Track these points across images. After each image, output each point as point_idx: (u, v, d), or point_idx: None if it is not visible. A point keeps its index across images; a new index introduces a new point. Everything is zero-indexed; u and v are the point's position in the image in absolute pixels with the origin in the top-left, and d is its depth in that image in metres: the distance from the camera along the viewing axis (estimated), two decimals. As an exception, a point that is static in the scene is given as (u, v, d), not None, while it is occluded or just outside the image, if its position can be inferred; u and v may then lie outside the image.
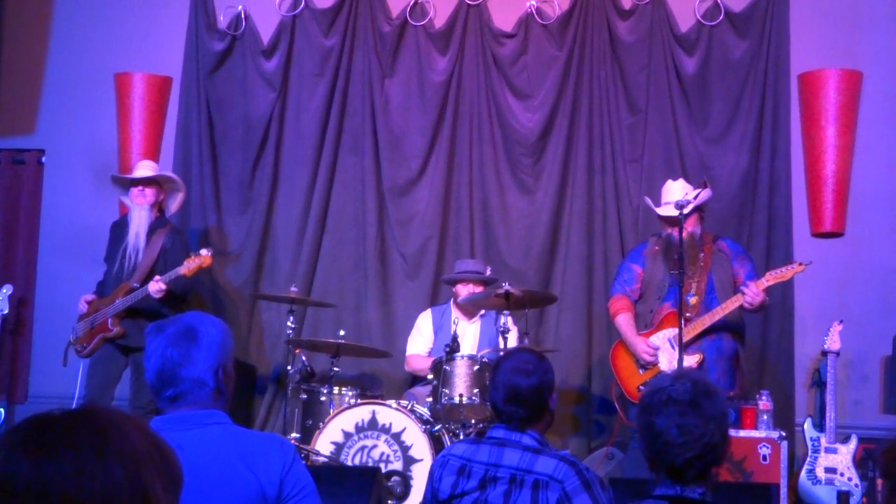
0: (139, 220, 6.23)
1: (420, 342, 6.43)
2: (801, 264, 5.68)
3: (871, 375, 6.63)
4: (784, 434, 5.62)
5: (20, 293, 7.25)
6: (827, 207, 6.64)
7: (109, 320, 6.09)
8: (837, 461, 5.91)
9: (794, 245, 6.64)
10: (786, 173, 6.72)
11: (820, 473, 5.91)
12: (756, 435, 5.61)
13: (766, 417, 5.74)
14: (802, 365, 6.64)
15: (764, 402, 5.81)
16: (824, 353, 6.16)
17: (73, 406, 3.02)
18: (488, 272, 6.29)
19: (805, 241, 6.67)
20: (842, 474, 5.88)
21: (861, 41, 6.84)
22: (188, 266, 5.99)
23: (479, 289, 6.21)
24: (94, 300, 6.24)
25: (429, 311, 6.54)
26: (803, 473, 5.93)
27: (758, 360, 6.58)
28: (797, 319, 6.63)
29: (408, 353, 6.47)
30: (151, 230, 6.25)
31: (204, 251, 6.03)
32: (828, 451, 5.95)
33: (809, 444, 6.00)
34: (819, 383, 6.39)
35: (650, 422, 2.47)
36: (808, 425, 6.07)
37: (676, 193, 5.66)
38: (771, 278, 5.60)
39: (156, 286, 5.95)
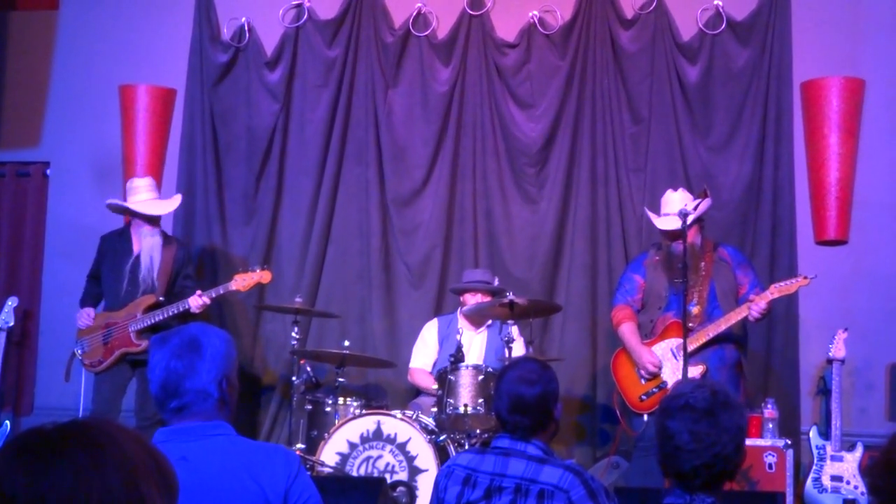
0: (152, 244, 6.20)
1: (424, 354, 6.42)
2: (806, 277, 5.69)
3: (877, 383, 6.62)
4: (790, 442, 5.62)
5: (25, 305, 7.27)
6: (831, 215, 6.63)
7: (132, 335, 6.06)
8: (843, 469, 5.91)
9: (798, 253, 6.63)
10: (789, 181, 6.71)
11: (826, 482, 5.90)
12: (762, 443, 5.60)
13: (771, 426, 5.74)
14: (807, 373, 6.63)
15: (769, 411, 5.81)
16: (829, 361, 6.16)
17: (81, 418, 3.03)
18: (496, 282, 6.29)
19: (809, 249, 6.66)
20: (848, 482, 5.88)
21: (863, 49, 6.84)
22: (242, 282, 6.05)
23: (486, 298, 6.21)
24: (98, 315, 6.22)
25: (435, 320, 6.54)
26: (809, 482, 5.92)
27: (763, 368, 6.58)
28: (802, 327, 6.63)
29: (411, 366, 6.46)
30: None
31: (257, 268, 6.12)
32: (833, 459, 5.94)
33: (815, 452, 5.99)
34: (824, 391, 6.37)
35: (664, 424, 2.48)
36: (813, 433, 6.06)
37: (676, 204, 5.66)
38: (776, 291, 5.60)
39: (198, 301, 5.97)
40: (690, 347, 5.45)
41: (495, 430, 5.12)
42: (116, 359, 6.08)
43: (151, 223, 6.23)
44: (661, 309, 5.76)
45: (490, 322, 6.33)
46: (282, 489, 2.44)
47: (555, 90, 6.98)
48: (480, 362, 5.97)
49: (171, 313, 5.99)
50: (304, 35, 7.23)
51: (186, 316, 6.04)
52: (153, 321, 6.01)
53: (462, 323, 6.32)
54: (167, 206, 6.37)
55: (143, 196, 6.24)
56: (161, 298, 6.09)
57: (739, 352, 5.77)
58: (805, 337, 6.62)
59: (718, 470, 2.46)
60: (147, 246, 6.18)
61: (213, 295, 6.05)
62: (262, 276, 6.14)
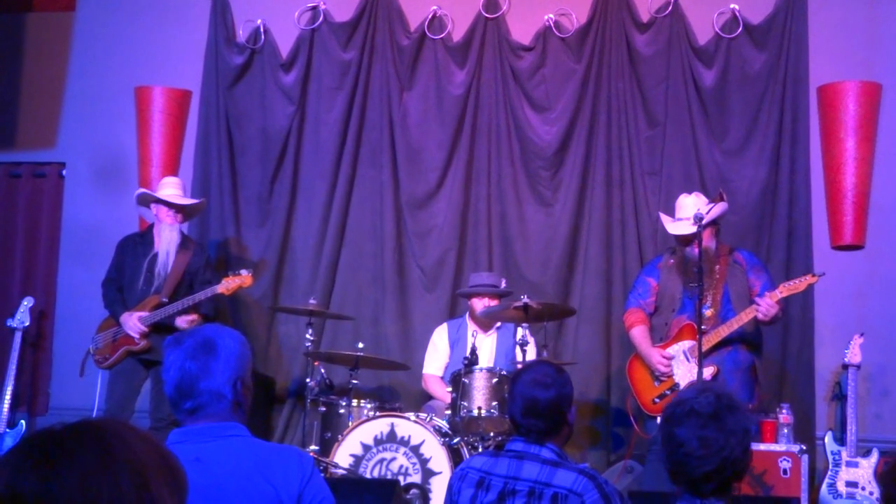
0: (169, 240, 6.23)
1: (436, 359, 6.42)
2: (814, 275, 5.66)
3: (893, 388, 6.58)
4: (804, 448, 5.60)
5: (41, 306, 7.30)
6: (847, 220, 6.61)
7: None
8: (859, 475, 5.88)
9: (813, 258, 6.60)
10: (805, 186, 6.69)
11: (841, 487, 5.87)
12: (776, 448, 5.58)
13: (786, 431, 5.72)
14: (823, 378, 6.59)
15: (784, 416, 5.78)
16: (845, 367, 6.14)
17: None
18: (503, 284, 6.29)
19: (825, 254, 6.63)
20: (863, 488, 5.85)
21: (880, 53, 6.81)
22: (227, 285, 6.06)
23: (493, 302, 6.21)
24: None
25: (444, 325, 6.53)
26: (824, 487, 5.90)
27: (778, 373, 6.55)
28: (817, 332, 6.59)
29: (424, 372, 6.46)
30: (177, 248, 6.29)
31: (244, 271, 6.13)
32: (849, 464, 5.91)
33: (830, 457, 5.97)
34: (840, 396, 6.35)
35: (671, 433, 2.46)
36: (828, 439, 6.04)
37: (690, 209, 5.64)
38: (784, 290, 5.57)
39: (185, 319, 6.00)
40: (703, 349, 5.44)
41: (509, 433, 5.12)
42: (121, 356, 6.12)
43: (176, 212, 6.26)
44: (675, 311, 5.75)
45: (499, 324, 6.32)
46: (295, 491, 2.44)
47: (570, 93, 6.97)
48: (491, 364, 5.97)
49: (168, 312, 6.02)
50: (319, 37, 7.24)
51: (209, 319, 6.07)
52: (152, 320, 6.04)
53: (472, 326, 6.31)
54: (192, 200, 6.45)
55: (171, 191, 6.33)
56: (164, 299, 6.11)
57: (754, 355, 5.74)
58: (820, 342, 6.59)
59: (728, 474, 2.45)
60: (165, 241, 6.21)
61: (200, 299, 6.06)
62: (243, 279, 6.12)
